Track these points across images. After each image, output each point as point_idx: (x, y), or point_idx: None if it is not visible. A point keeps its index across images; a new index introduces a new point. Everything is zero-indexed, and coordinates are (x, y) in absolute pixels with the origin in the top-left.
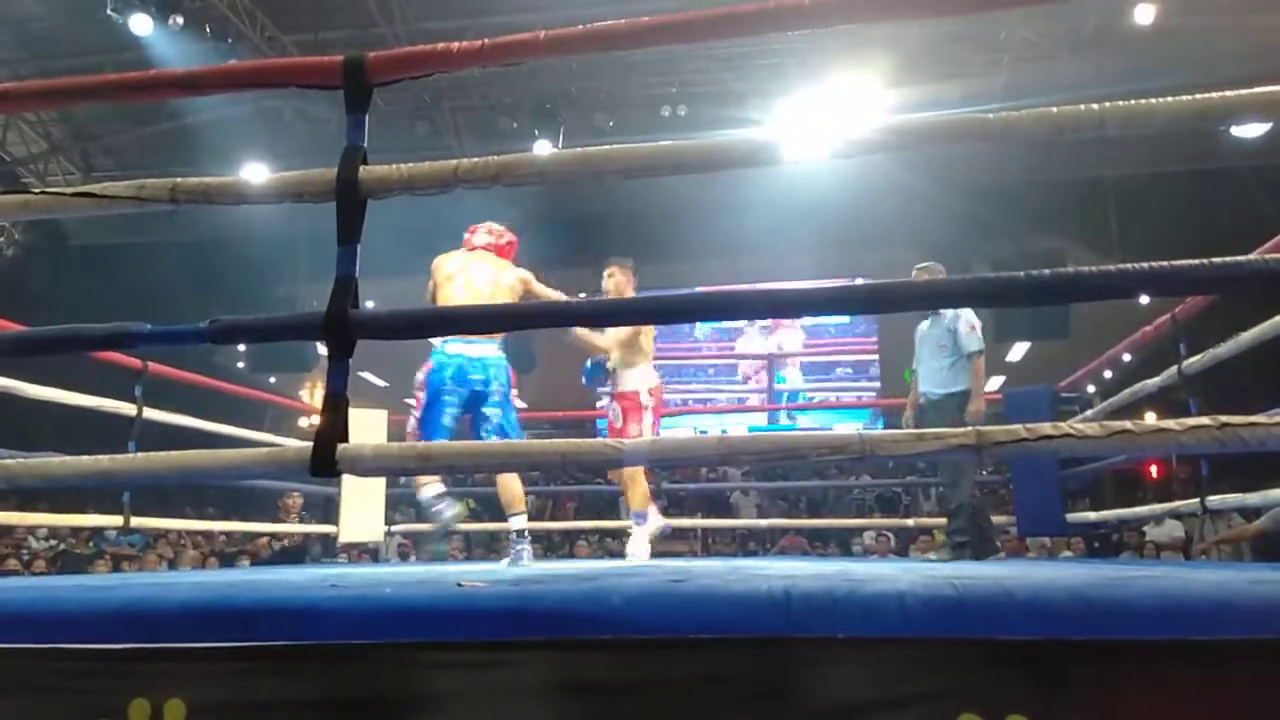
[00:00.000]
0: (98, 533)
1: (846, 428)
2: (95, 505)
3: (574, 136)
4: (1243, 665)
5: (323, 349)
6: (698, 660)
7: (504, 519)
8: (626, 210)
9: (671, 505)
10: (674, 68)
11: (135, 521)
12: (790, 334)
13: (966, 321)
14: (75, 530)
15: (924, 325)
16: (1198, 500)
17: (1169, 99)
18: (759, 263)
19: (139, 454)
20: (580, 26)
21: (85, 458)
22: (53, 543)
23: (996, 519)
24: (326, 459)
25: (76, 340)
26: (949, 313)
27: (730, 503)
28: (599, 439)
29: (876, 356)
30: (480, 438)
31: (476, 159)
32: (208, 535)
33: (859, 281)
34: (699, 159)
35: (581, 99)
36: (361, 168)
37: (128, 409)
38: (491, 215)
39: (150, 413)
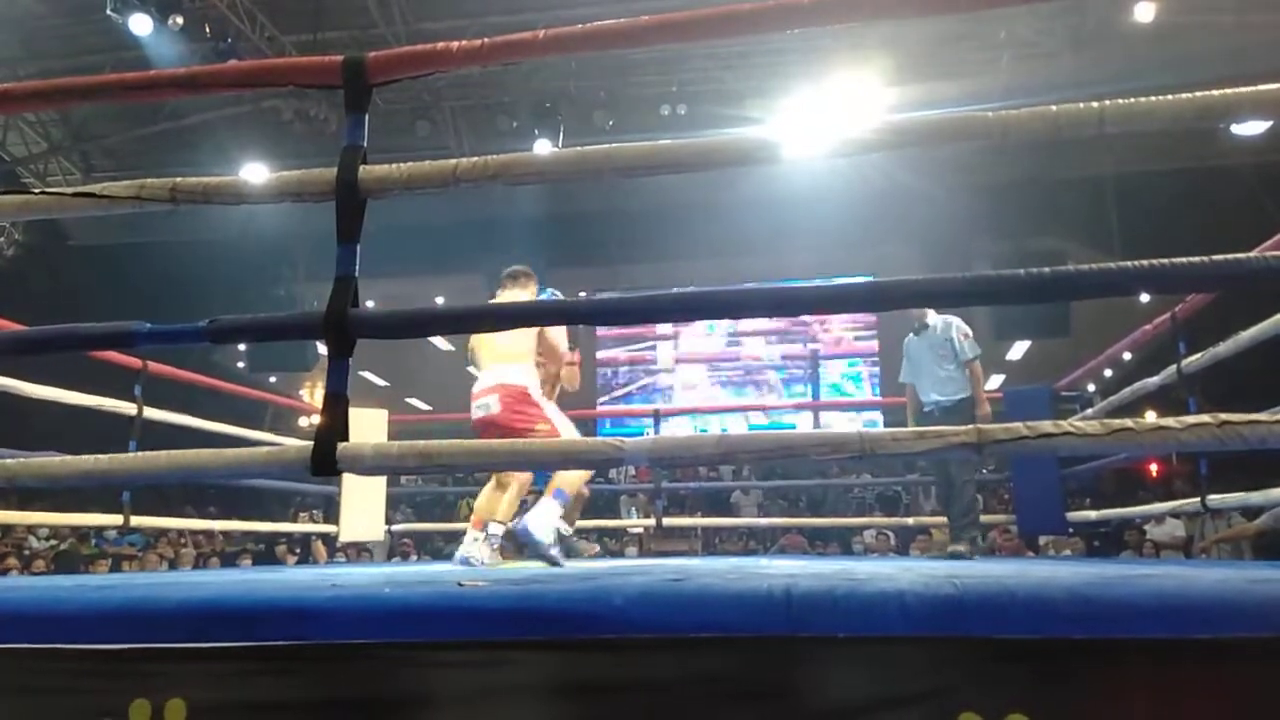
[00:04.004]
0: (98, 532)
1: (845, 426)
2: (96, 505)
3: (573, 135)
4: (1244, 663)
5: (323, 348)
6: (698, 660)
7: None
8: (626, 209)
9: (672, 504)
10: (673, 67)
11: (135, 521)
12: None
13: (960, 330)
14: (75, 530)
15: (912, 337)
16: (1198, 499)
17: (1169, 97)
18: (759, 261)
19: (139, 453)
20: (579, 26)
21: (85, 457)
22: (53, 542)
23: (997, 518)
24: (327, 458)
25: (76, 339)
26: (938, 323)
27: (731, 502)
28: (599, 438)
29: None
30: None
31: (476, 158)
32: (208, 535)
33: (860, 280)
34: (698, 158)
35: (581, 98)
36: (361, 167)
37: (128, 408)
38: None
39: (150, 412)
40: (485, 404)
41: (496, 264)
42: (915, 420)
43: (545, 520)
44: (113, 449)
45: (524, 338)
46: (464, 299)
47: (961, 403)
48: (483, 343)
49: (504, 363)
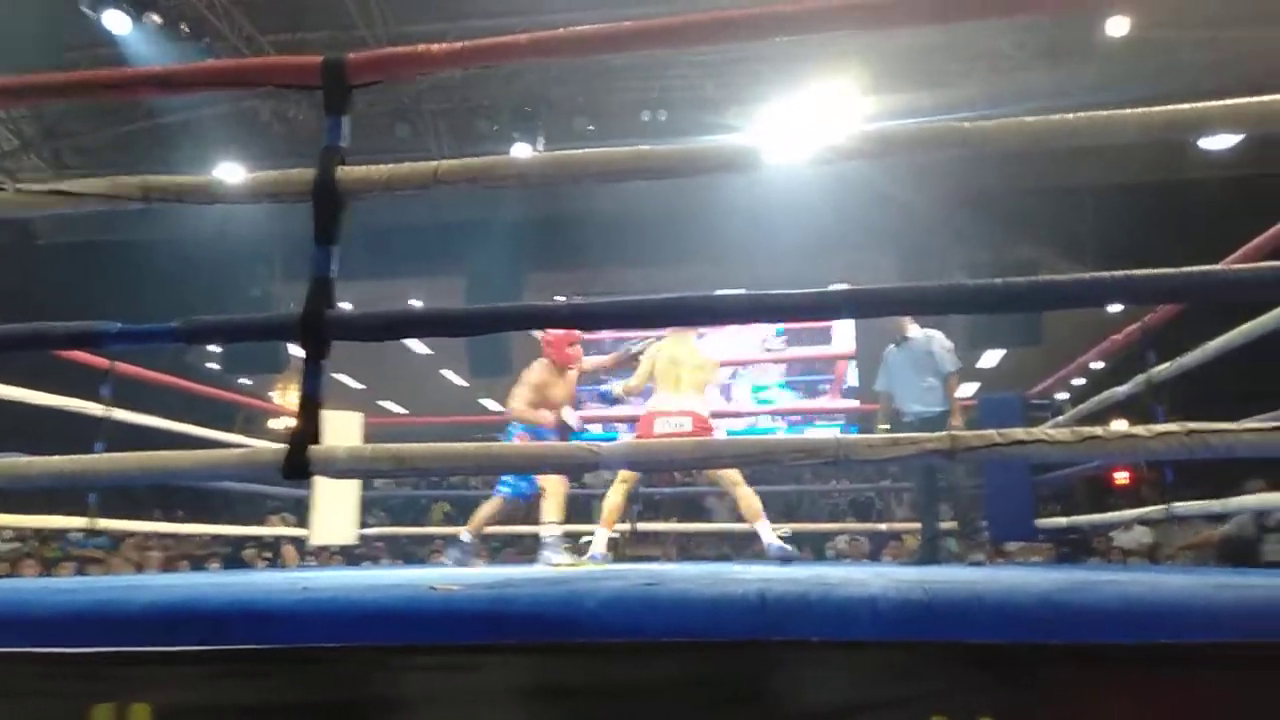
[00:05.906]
0: (62, 535)
1: (820, 433)
2: (62, 507)
3: (553, 140)
4: (1209, 669)
5: (297, 350)
6: (672, 663)
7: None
8: (606, 214)
9: (647, 509)
10: (654, 73)
11: (102, 523)
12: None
13: (941, 344)
14: (39, 531)
15: (893, 348)
16: (1164, 506)
17: (1140, 110)
18: (737, 268)
19: (110, 454)
20: (560, 30)
21: (55, 458)
22: (16, 545)
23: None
24: (300, 461)
25: (42, 339)
26: (920, 336)
27: (705, 507)
28: (575, 443)
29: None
30: None
31: (456, 160)
32: (176, 538)
33: (837, 287)
34: (678, 164)
35: (561, 103)
36: (340, 168)
37: (95, 409)
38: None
39: (119, 413)
40: (679, 423)
41: (476, 267)
42: (891, 429)
43: (598, 547)
44: (79, 451)
45: (714, 374)
46: (442, 302)
47: (944, 414)
48: (684, 371)
49: (698, 393)
